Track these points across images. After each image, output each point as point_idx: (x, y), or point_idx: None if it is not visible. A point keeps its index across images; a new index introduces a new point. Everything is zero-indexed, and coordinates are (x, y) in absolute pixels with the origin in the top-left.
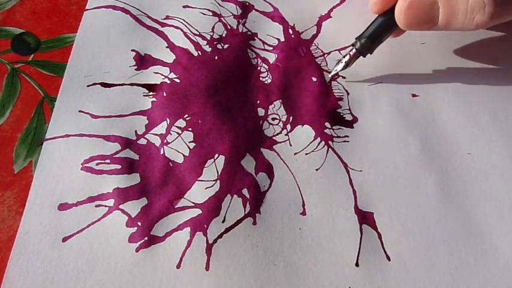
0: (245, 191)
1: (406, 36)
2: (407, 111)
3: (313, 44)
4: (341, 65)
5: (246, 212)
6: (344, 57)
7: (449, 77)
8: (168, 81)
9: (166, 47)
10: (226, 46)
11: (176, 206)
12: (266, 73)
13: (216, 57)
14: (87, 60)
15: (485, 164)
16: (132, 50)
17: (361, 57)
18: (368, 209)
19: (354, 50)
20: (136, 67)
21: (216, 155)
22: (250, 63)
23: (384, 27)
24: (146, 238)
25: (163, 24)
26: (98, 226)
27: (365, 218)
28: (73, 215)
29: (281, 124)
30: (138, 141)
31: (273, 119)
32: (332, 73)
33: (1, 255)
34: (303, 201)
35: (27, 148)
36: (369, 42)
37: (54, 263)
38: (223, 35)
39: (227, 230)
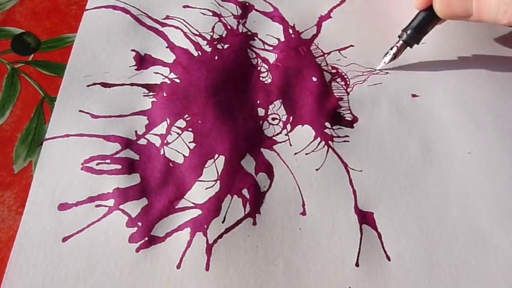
0: (245, 191)
1: None
2: (407, 111)
3: (313, 44)
4: (388, 57)
5: (246, 213)
6: (391, 49)
7: (449, 77)
8: (168, 82)
9: (166, 47)
10: (226, 46)
11: (176, 207)
12: (266, 73)
13: (216, 57)
14: (87, 60)
15: (485, 163)
16: (132, 50)
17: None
18: (368, 209)
19: (400, 42)
20: (136, 67)
21: (216, 155)
22: (250, 63)
23: (428, 19)
24: (146, 238)
25: (163, 24)
26: (98, 226)
27: (365, 218)
28: (73, 215)
29: (281, 124)
30: (138, 142)
31: (273, 119)
32: (380, 66)
33: (1, 255)
34: (303, 201)
35: (27, 148)
36: (415, 33)
37: (54, 263)
38: (223, 35)
39: (227, 231)
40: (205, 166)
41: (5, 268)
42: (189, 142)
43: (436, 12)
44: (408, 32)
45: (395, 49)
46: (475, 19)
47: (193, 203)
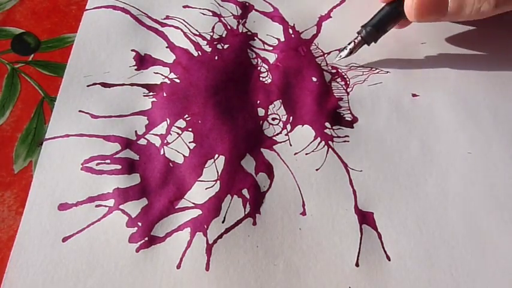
0: (245, 192)
1: (406, 35)
2: (407, 111)
3: (313, 44)
4: (345, 52)
5: (246, 213)
6: (349, 44)
7: (449, 77)
8: (168, 82)
9: (166, 47)
10: (226, 46)
11: (176, 207)
12: (266, 73)
13: (216, 58)
14: (87, 60)
15: (485, 163)
16: (132, 50)
17: (366, 45)
18: (368, 209)
19: (359, 38)
20: (136, 67)
21: (216, 155)
22: (250, 63)
23: (390, 16)
24: (146, 238)
25: (163, 24)
26: (98, 226)
27: (365, 218)
28: (73, 215)
29: (281, 124)
30: (138, 142)
31: (273, 119)
32: (336, 59)
33: (1, 255)
34: (303, 201)
35: (27, 148)
36: (374, 31)
37: (54, 263)
38: (223, 35)
39: (227, 231)
40: (205, 166)
41: (5, 268)
42: (189, 142)
43: (407, 16)
44: (367, 29)
45: (352, 45)
46: (446, 20)
47: (193, 203)
